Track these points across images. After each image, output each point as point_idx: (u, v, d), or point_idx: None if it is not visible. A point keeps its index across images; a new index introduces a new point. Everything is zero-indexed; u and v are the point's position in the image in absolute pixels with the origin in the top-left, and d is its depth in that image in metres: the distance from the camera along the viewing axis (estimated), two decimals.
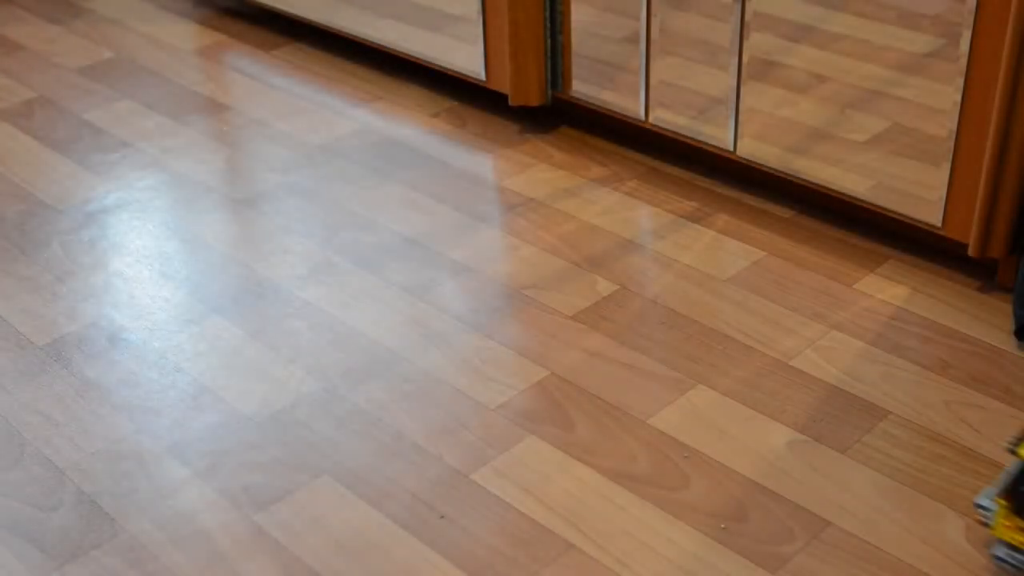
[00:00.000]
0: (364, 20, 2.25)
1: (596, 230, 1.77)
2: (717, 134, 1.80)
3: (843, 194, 1.69)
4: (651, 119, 1.88)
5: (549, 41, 1.95)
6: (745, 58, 1.71)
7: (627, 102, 1.90)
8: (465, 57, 2.07)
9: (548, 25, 1.94)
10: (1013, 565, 1.18)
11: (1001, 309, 1.56)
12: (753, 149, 1.77)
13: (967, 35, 1.46)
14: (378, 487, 1.32)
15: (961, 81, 1.49)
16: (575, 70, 1.96)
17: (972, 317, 1.55)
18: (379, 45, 2.24)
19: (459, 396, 1.45)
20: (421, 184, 1.91)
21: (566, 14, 1.92)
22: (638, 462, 1.35)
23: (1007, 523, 1.16)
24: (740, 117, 1.76)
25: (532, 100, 2.00)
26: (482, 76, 2.05)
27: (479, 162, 1.97)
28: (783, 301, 1.60)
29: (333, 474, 1.34)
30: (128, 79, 2.31)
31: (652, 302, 1.61)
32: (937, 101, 1.56)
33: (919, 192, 1.60)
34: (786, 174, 1.74)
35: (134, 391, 1.48)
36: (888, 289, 1.61)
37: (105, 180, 1.96)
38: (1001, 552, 1.18)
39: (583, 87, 1.96)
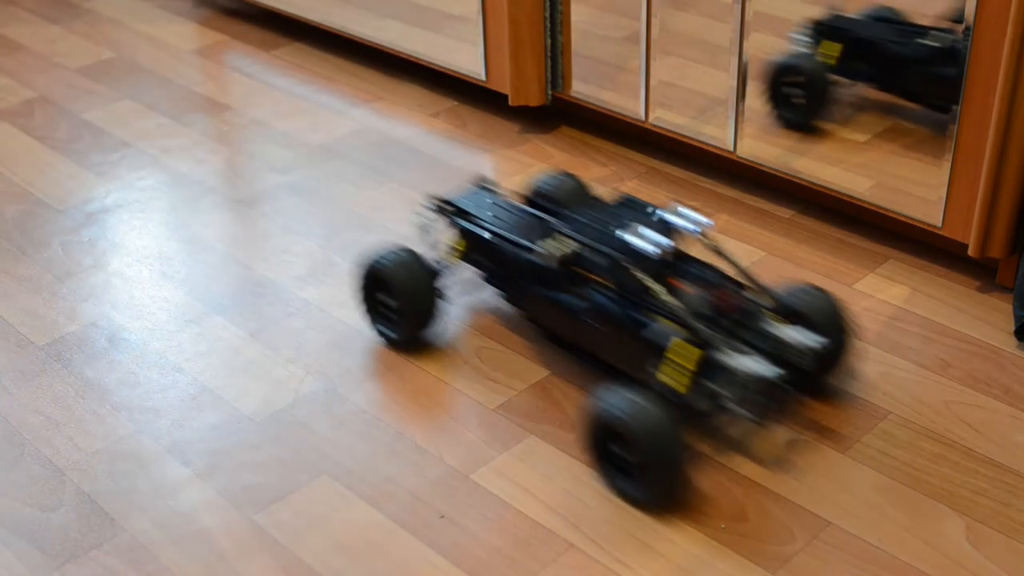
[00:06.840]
0: (364, 20, 2.25)
1: None
2: (717, 134, 1.80)
3: (843, 194, 1.68)
4: (651, 119, 1.88)
5: (549, 41, 1.95)
6: (745, 58, 1.71)
7: (627, 102, 1.90)
8: (465, 57, 2.07)
9: (548, 25, 1.94)
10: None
11: (1001, 309, 1.56)
12: (753, 149, 1.77)
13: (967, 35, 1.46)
14: (378, 487, 1.32)
15: (961, 81, 1.49)
16: (575, 70, 1.96)
17: (972, 317, 1.55)
18: (379, 45, 2.24)
19: (459, 396, 1.45)
20: (421, 184, 1.91)
21: (566, 14, 1.92)
22: None
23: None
24: (740, 117, 1.76)
25: (532, 100, 2.00)
26: (482, 76, 2.05)
27: (479, 162, 1.97)
28: None
29: (333, 474, 1.34)
30: (128, 79, 2.31)
31: None
32: None
33: (919, 192, 1.60)
34: (786, 174, 1.74)
35: (134, 391, 1.48)
36: (888, 289, 1.61)
37: (105, 180, 1.96)
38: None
39: (583, 87, 1.96)
